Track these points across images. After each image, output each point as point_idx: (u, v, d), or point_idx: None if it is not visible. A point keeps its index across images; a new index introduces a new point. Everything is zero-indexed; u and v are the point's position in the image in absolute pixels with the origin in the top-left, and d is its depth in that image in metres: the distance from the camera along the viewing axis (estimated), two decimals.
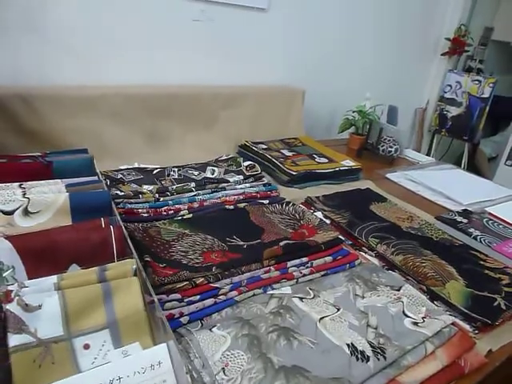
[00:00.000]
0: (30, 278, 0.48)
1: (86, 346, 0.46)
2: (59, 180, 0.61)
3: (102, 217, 0.57)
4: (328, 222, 0.93)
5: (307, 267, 0.76)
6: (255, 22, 1.35)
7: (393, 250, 0.85)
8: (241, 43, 1.36)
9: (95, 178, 0.64)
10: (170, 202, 0.90)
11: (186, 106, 1.24)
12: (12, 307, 0.43)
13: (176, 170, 1.06)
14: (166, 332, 0.46)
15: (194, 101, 1.25)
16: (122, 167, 1.05)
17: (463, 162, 2.22)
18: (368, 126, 1.46)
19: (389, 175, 1.30)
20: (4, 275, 0.47)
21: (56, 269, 0.50)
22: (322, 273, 0.77)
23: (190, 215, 0.89)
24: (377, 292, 0.73)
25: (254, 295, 0.69)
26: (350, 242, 0.89)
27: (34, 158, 0.65)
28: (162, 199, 0.91)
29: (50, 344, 0.44)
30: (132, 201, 0.87)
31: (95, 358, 0.45)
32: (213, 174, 1.06)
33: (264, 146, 1.28)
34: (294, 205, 0.96)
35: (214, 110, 1.27)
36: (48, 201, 0.56)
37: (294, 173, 1.12)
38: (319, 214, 0.95)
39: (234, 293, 0.68)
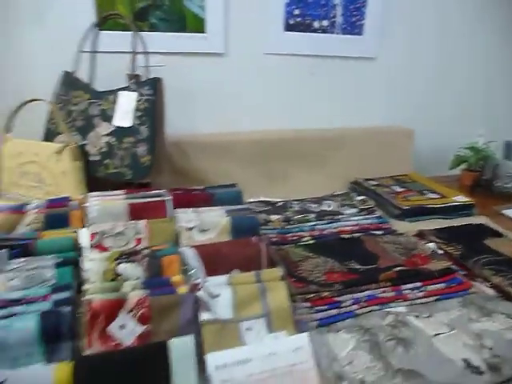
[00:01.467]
0: (208, 274, 0.67)
1: (248, 329, 0.61)
2: (219, 207, 0.81)
3: (252, 236, 0.74)
4: (441, 252, 0.99)
5: (421, 291, 0.84)
6: (362, 69, 1.50)
7: (509, 282, 0.88)
8: (349, 89, 1.51)
9: (245, 206, 0.83)
10: (294, 229, 1.06)
11: (299, 148, 1.42)
12: (201, 294, 0.61)
13: (296, 203, 1.22)
14: (304, 327, 0.60)
15: (306, 144, 1.43)
16: (251, 200, 1.24)
17: None
18: (482, 162, 1.48)
19: (505, 211, 1.29)
20: (191, 273, 0.66)
21: (223, 271, 0.68)
22: (436, 297, 0.84)
23: (312, 241, 1.03)
24: (491, 318, 0.77)
25: (371, 311, 0.79)
26: (464, 273, 0.94)
27: (199, 190, 0.87)
28: (287, 227, 1.07)
29: (225, 323, 0.60)
30: (263, 227, 1.04)
31: (254, 339, 0.61)
32: (329, 207, 1.20)
33: (375, 183, 1.39)
34: (406, 236, 1.05)
35: (325, 151, 1.43)
36: (215, 222, 0.76)
37: (406, 207, 1.20)
38: (431, 246, 1.01)
39: (355, 307, 0.79)
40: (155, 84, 1.04)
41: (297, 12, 1.37)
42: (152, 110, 1.03)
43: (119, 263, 0.64)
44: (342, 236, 1.06)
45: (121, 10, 1.19)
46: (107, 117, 1.03)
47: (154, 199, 0.81)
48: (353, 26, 1.44)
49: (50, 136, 1.08)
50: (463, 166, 1.54)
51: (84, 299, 0.56)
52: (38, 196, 1.03)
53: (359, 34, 1.45)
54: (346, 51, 1.46)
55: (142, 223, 0.74)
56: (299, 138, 1.42)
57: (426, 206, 1.23)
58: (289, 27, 1.38)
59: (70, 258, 0.66)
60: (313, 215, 1.13)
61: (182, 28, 1.27)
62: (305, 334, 0.60)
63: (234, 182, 1.33)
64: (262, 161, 1.37)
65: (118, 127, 1.01)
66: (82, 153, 1.03)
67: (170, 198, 0.82)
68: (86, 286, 0.60)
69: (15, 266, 0.62)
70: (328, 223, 1.10)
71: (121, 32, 1.17)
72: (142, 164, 1.01)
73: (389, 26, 1.48)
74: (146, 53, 1.06)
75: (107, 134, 1.02)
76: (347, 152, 1.47)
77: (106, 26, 1.12)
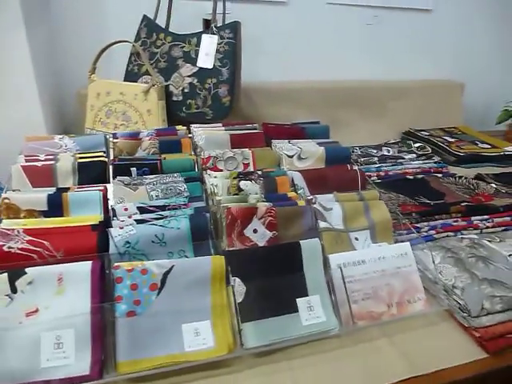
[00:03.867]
0: (312, 194, 0.75)
1: (356, 239, 0.70)
2: (311, 140, 0.88)
3: (346, 164, 0.82)
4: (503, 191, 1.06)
5: (489, 222, 0.92)
6: (420, 22, 1.52)
7: None
8: (406, 42, 1.54)
9: (332, 140, 0.91)
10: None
11: (360, 98, 1.47)
12: (317, 206, 0.69)
13: (358, 148, 1.29)
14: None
15: (367, 94, 1.48)
16: None
17: None
18: None
19: None
20: (299, 192, 0.75)
21: (326, 191, 0.76)
22: (503, 228, 0.92)
23: (379, 181, 1.10)
24: None
25: (447, 236, 0.87)
26: None
27: (289, 125, 0.94)
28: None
29: (338, 232, 0.69)
30: None
31: (362, 247, 0.70)
32: (388, 153, 1.26)
33: (426, 133, 1.45)
34: (466, 178, 1.12)
35: (384, 102, 1.48)
36: (312, 151, 0.83)
37: (462, 154, 1.26)
38: (493, 185, 1.08)
39: (432, 231, 0.87)
40: (235, 27, 1.08)
41: None
42: (232, 53, 1.08)
43: (240, 180, 0.72)
44: (407, 177, 1.13)
45: None
46: (190, 59, 1.08)
47: (252, 131, 0.88)
48: None
49: (131, 77, 1.14)
50: (510, 121, 1.59)
51: (223, 206, 0.65)
52: None
53: None
54: (406, 2, 1.47)
55: (248, 150, 0.81)
56: (359, 88, 1.47)
57: (481, 154, 1.29)
58: None
59: (195, 176, 0.74)
60: (375, 159, 1.20)
61: None
62: (407, 243, 0.68)
63: None
64: (326, 108, 1.42)
65: (201, 69, 1.07)
66: (166, 93, 1.09)
67: (266, 130, 0.89)
68: (218, 197, 0.68)
69: (150, 181, 0.70)
70: (392, 165, 1.17)
71: None
72: (223, 104, 1.08)
73: None
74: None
75: (190, 75, 1.08)
76: (401, 104, 1.52)
77: None
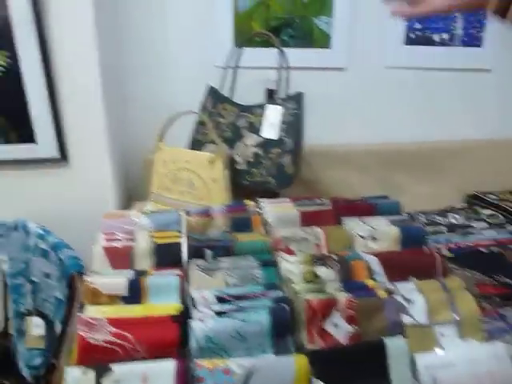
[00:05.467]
0: (389, 280, 0.71)
1: (442, 335, 0.65)
2: (382, 217, 0.86)
3: (420, 246, 0.78)
4: None
5: None
6: (479, 81, 1.49)
7: None
8: (464, 101, 1.51)
9: (405, 216, 0.88)
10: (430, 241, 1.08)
11: (417, 159, 1.44)
12: (398, 297, 0.66)
13: (422, 214, 1.24)
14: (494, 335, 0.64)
15: (424, 155, 1.44)
16: None
17: None
18: None
19: None
20: (377, 279, 0.71)
21: (401, 278, 0.72)
22: None
23: (452, 254, 1.04)
24: None
25: None
26: None
27: (359, 200, 0.92)
28: None
29: (422, 327, 0.65)
30: None
31: (449, 345, 0.65)
32: (456, 220, 1.21)
33: (495, 197, 1.38)
34: None
35: (443, 163, 1.43)
36: (385, 231, 0.80)
37: None
38: None
39: None
40: (299, 98, 1.10)
41: (417, 26, 1.40)
42: (296, 123, 1.10)
43: (315, 265, 0.71)
44: (480, 249, 1.07)
45: (256, 28, 1.28)
46: (254, 129, 1.11)
47: (321, 207, 0.87)
48: (472, 38, 1.44)
49: (196, 145, 1.18)
50: None
51: (302, 297, 0.63)
52: (189, 200, 1.13)
53: (478, 45, 1.45)
54: (465, 63, 1.46)
55: (320, 230, 0.80)
56: (416, 150, 1.44)
57: None
58: (409, 41, 1.41)
59: (269, 260, 0.73)
60: (443, 227, 1.14)
61: (309, 44, 1.34)
62: (502, 344, 0.63)
63: (351, 190, 1.40)
64: (380, 171, 1.40)
65: (265, 139, 1.09)
66: (230, 161, 1.11)
67: (336, 206, 0.87)
68: (294, 286, 0.67)
69: (227, 265, 0.70)
70: (462, 236, 1.11)
71: (258, 48, 1.27)
72: (286, 174, 1.09)
73: (508, 38, 1.47)
74: (287, 68, 1.14)
75: (255, 145, 1.10)
76: (462, 165, 1.47)
77: (244, 43, 1.21)
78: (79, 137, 1.11)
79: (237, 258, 0.72)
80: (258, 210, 0.88)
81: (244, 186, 1.13)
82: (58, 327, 1.02)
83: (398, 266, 0.74)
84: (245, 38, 1.20)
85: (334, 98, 1.39)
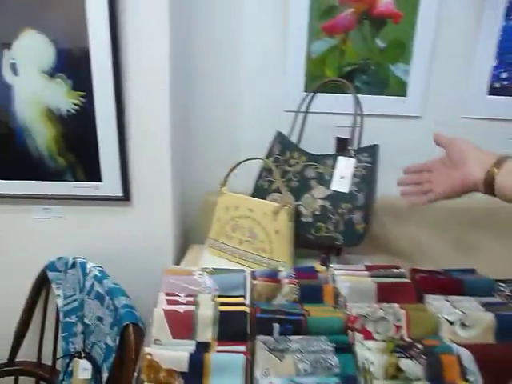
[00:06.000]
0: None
1: None
2: (472, 298, 0.75)
3: None
4: None
5: None
6: None
7: None
8: None
9: (499, 299, 0.76)
10: None
11: (494, 218, 1.30)
12: None
13: (504, 285, 1.10)
14: None
15: (502, 213, 1.31)
16: None
17: None
18: None
19: None
20: (471, 379, 0.61)
21: (502, 381, 0.61)
22: None
23: None
24: None
25: None
26: None
27: (443, 274, 0.82)
28: None
29: None
30: None
31: None
32: None
33: None
34: None
35: None
36: (478, 318, 0.70)
37: None
38: None
39: None
40: (374, 152, 1.03)
41: (504, 75, 1.29)
42: (369, 177, 1.02)
43: (399, 357, 0.61)
44: None
45: (328, 74, 1.23)
46: (324, 181, 1.04)
47: (401, 280, 0.78)
48: None
49: (259, 192, 1.13)
50: None
51: None
52: (249, 251, 1.08)
53: None
54: None
55: (401, 309, 0.71)
56: (495, 207, 1.31)
57: None
58: (493, 91, 1.30)
59: (345, 343, 0.64)
60: None
61: (383, 91, 1.27)
62: None
63: (419, 248, 1.28)
64: (455, 229, 1.28)
65: (335, 192, 1.02)
66: (295, 213, 1.05)
67: (417, 279, 0.78)
68: (375, 381, 0.58)
69: (297, 347, 0.63)
70: None
71: (330, 95, 1.22)
72: (356, 231, 1.00)
73: None
74: (361, 115, 1.07)
75: (323, 198, 1.03)
76: None
77: (316, 88, 1.16)
78: (144, 178, 1.10)
79: (308, 339, 0.65)
80: (329, 277, 0.80)
81: (309, 239, 1.05)
82: (105, 374, 0.98)
83: (495, 366, 0.64)
84: (317, 83, 1.15)
85: (408, 147, 1.30)
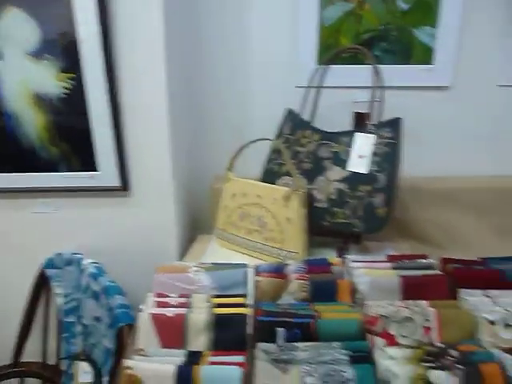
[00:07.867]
0: None
1: None
2: None
3: None
4: None
5: None
6: None
7: None
8: None
9: None
10: None
11: None
12: None
13: None
14: None
15: None
16: None
17: None
18: None
19: None
20: None
21: None
22: None
23: None
24: None
25: None
26: None
27: (479, 263, 0.70)
28: None
29: None
30: None
31: None
32: None
33: None
34: None
35: None
36: None
37: None
38: None
39: None
40: (397, 126, 0.91)
41: None
42: (392, 156, 0.90)
43: (429, 367, 0.50)
44: None
45: (343, 42, 1.11)
46: (340, 161, 0.93)
47: (430, 272, 0.66)
48: None
49: (269, 176, 1.02)
50: None
51: None
52: (258, 241, 0.98)
53: None
54: None
55: (431, 308, 0.59)
56: None
57: None
58: None
59: (363, 351, 0.54)
60: None
61: (406, 60, 1.13)
62: None
63: (450, 233, 1.15)
64: (493, 212, 1.14)
65: (353, 173, 0.90)
66: (309, 199, 0.94)
67: (449, 271, 0.66)
68: None
69: (304, 356, 0.52)
70: None
71: (346, 66, 1.09)
72: (377, 216, 0.89)
73: None
74: (381, 88, 0.94)
75: (339, 180, 0.92)
76: None
77: (330, 60, 1.03)
78: (143, 166, 1.02)
79: (318, 346, 0.54)
80: (345, 270, 0.69)
81: (324, 226, 0.94)
82: (106, 377, 0.91)
83: None
84: (331, 54, 1.03)
85: (436, 122, 1.17)
